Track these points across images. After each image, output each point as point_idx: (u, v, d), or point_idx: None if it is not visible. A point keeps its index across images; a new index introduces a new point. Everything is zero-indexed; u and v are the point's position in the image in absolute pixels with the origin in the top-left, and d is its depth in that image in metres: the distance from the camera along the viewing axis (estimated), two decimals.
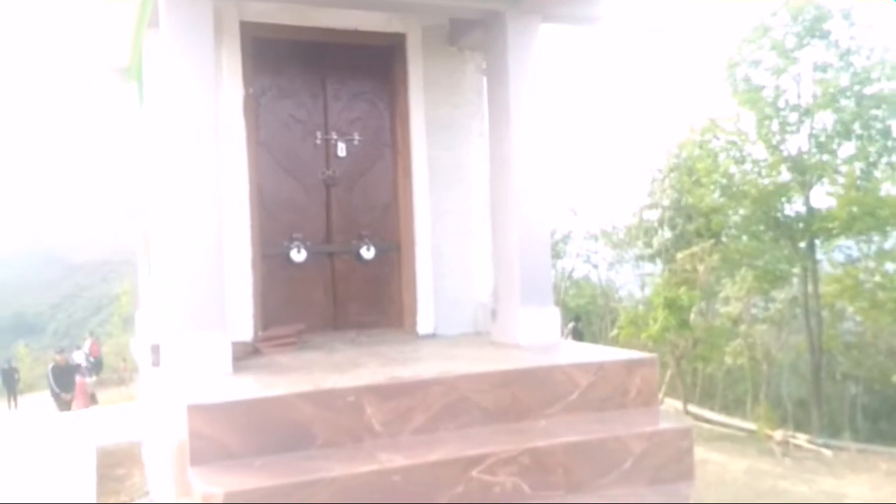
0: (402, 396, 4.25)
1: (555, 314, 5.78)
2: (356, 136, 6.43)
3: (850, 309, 18.90)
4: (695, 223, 16.73)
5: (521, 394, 4.53)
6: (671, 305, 13.31)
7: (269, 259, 6.12)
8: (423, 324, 6.43)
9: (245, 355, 5.57)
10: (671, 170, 18.28)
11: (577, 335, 16.65)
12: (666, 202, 18.15)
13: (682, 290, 13.62)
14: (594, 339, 17.02)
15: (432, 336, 6.41)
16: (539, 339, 5.60)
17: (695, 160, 17.18)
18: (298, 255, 6.16)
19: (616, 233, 22.80)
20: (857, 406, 20.54)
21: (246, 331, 5.87)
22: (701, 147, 17.32)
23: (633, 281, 22.88)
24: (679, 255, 15.05)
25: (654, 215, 18.89)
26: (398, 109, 6.53)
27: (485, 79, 6.52)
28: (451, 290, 6.54)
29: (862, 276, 17.71)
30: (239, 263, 5.87)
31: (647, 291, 21.45)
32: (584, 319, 21.84)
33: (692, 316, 13.98)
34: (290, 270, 6.20)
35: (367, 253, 6.38)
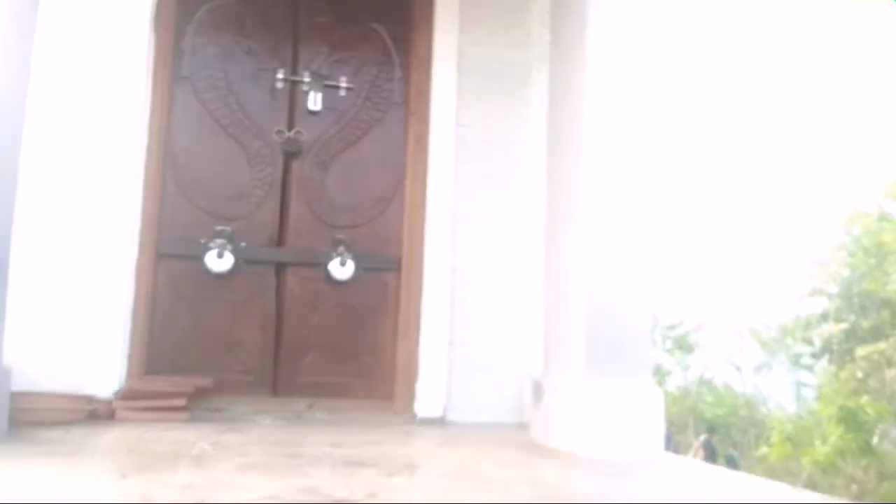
0: None
1: (654, 399, 2.92)
2: (343, 83, 3.96)
3: None
4: (872, 317, 12.92)
5: None
6: (849, 420, 9.53)
7: (169, 263, 3.66)
8: (427, 400, 3.72)
9: (77, 418, 3.07)
10: (841, 249, 14.62)
11: (710, 455, 12.93)
12: (833, 289, 14.44)
13: (865, 399, 9.90)
14: (734, 463, 13.21)
15: (439, 422, 3.67)
16: (619, 448, 2.76)
17: (874, 235, 13.51)
18: (221, 262, 3.66)
19: (766, 330, 18.83)
20: None
21: (107, 379, 3.38)
22: (883, 218, 13.63)
23: (786, 389, 18.72)
24: (860, 352, 11.24)
25: (816, 307, 15.15)
26: (416, 45, 4.05)
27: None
28: (478, 347, 3.81)
29: None
30: (107, 266, 3.45)
31: (803, 404, 17.27)
32: (722, 433, 17.85)
33: (875, 439, 10.13)
34: (205, 286, 3.70)
35: (342, 269, 3.80)
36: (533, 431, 3.17)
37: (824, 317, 14.72)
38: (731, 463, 12.97)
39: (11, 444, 2.44)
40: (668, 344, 19.75)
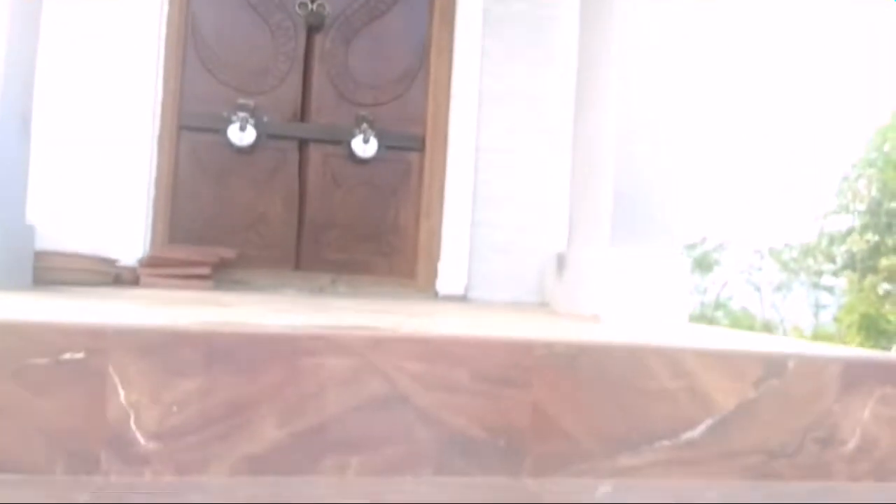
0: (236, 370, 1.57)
1: (679, 267, 2.88)
2: None
3: None
4: None
5: (557, 407, 1.70)
6: (870, 327, 9.50)
7: (192, 136, 3.62)
8: (448, 278, 3.71)
9: (102, 281, 3.10)
10: (868, 165, 14.28)
11: None
12: (861, 206, 14.20)
13: (888, 307, 9.83)
14: None
15: (461, 298, 3.68)
16: (643, 313, 2.75)
17: None
18: (243, 136, 3.62)
19: (788, 250, 18.65)
20: None
21: (131, 246, 3.40)
22: None
23: (805, 311, 18.67)
24: (884, 263, 11.12)
25: (841, 224, 14.92)
26: None
27: None
28: (501, 229, 3.78)
29: None
30: (129, 135, 3.42)
31: (823, 320, 17.21)
32: None
33: None
34: (228, 160, 3.67)
35: (365, 147, 3.74)
36: (555, 304, 3.16)
37: (849, 233, 14.53)
38: None
39: (39, 292, 2.46)
40: (689, 263, 19.63)
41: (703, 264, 18.99)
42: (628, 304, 2.74)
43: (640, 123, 2.95)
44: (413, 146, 3.82)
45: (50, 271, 2.85)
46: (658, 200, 2.86)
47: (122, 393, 1.51)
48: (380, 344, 1.64)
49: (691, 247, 19.15)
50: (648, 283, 2.78)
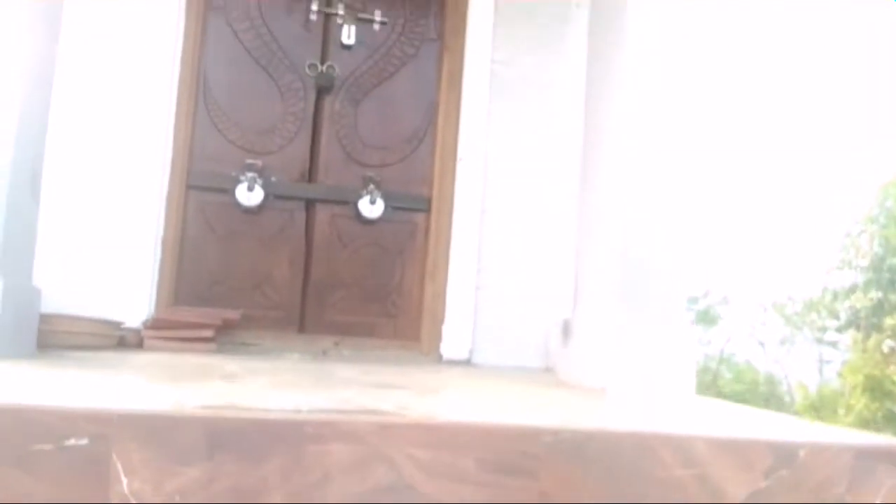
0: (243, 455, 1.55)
1: (686, 339, 2.86)
2: (377, 17, 3.89)
3: None
4: None
5: (565, 495, 1.68)
6: (875, 389, 9.37)
7: (199, 196, 3.65)
8: (453, 342, 3.69)
9: (106, 344, 3.08)
10: (871, 221, 14.30)
11: None
12: (864, 262, 14.18)
13: (892, 368, 9.69)
14: None
15: (465, 363, 3.65)
16: (650, 386, 2.72)
17: None
18: (251, 196, 3.64)
19: (791, 304, 18.56)
20: None
21: (136, 308, 3.39)
22: None
23: (809, 366, 18.49)
24: (889, 321, 11.01)
25: (845, 280, 14.87)
26: None
27: None
28: (506, 291, 3.78)
29: None
30: (137, 195, 3.45)
31: (826, 382, 17.03)
32: None
33: None
34: (235, 220, 3.69)
35: (372, 208, 3.76)
36: (560, 372, 3.14)
37: (852, 290, 14.49)
38: None
39: (41, 360, 2.44)
40: (691, 317, 19.58)
41: (706, 318, 18.91)
42: (636, 376, 2.72)
43: (647, 193, 2.96)
44: (419, 207, 3.84)
45: (55, 335, 2.84)
46: (664, 274, 2.85)
47: (124, 481, 1.49)
48: (386, 430, 1.62)
49: (693, 300, 19.11)
50: (656, 354, 2.76)
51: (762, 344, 21.11)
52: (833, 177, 20.43)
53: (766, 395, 20.58)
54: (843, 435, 2.10)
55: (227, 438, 1.54)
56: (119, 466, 1.49)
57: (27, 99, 2.55)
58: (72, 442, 1.48)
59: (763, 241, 20.30)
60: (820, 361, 18.71)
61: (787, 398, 18.58)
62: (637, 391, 2.70)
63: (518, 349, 3.72)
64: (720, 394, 18.67)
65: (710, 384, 19.64)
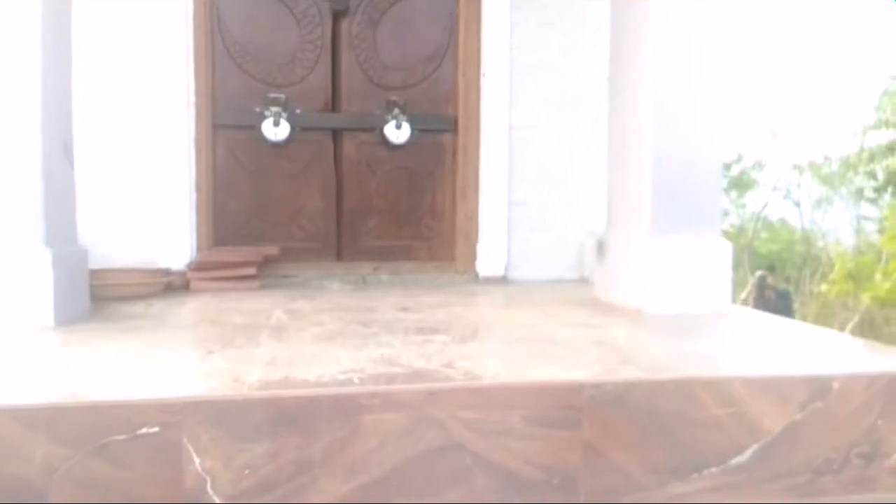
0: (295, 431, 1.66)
1: (722, 253, 2.88)
2: None
3: None
4: None
5: (608, 443, 1.77)
6: None
7: (226, 134, 3.66)
8: (488, 259, 3.75)
9: (155, 291, 3.20)
10: None
11: (765, 294, 12.63)
12: None
13: None
14: (787, 298, 13.02)
15: (501, 280, 3.73)
16: (685, 302, 2.78)
17: None
18: (277, 131, 3.64)
19: (827, 164, 18.20)
20: None
21: (179, 252, 3.50)
22: None
23: (846, 224, 18.33)
24: None
25: (882, 138, 14.43)
26: None
27: None
28: (538, 206, 3.79)
29: None
30: (166, 141, 3.47)
31: (863, 238, 16.91)
32: (777, 270, 17.67)
33: None
34: (264, 156, 3.71)
35: (398, 133, 3.74)
36: (596, 289, 3.19)
37: (890, 149, 14.13)
38: (784, 298, 12.88)
39: (96, 321, 2.56)
40: (724, 183, 19.29)
41: (741, 184, 18.68)
42: (670, 297, 2.77)
43: (680, 102, 2.90)
44: (445, 127, 3.81)
45: (105, 288, 2.96)
46: (699, 187, 2.84)
47: (196, 461, 1.61)
48: (434, 395, 1.71)
49: (727, 166, 18.81)
50: (691, 274, 2.79)
51: (798, 204, 20.88)
52: (869, 30, 19.47)
53: (802, 255, 20.54)
54: (877, 360, 2.15)
55: (288, 415, 1.64)
56: (191, 448, 1.60)
57: (46, 64, 2.54)
58: (144, 430, 1.60)
59: (798, 100, 19.66)
60: (857, 218, 18.51)
61: (823, 256, 18.50)
62: (673, 310, 2.75)
63: (553, 262, 3.77)
64: (756, 254, 18.68)
65: (746, 245, 19.61)
